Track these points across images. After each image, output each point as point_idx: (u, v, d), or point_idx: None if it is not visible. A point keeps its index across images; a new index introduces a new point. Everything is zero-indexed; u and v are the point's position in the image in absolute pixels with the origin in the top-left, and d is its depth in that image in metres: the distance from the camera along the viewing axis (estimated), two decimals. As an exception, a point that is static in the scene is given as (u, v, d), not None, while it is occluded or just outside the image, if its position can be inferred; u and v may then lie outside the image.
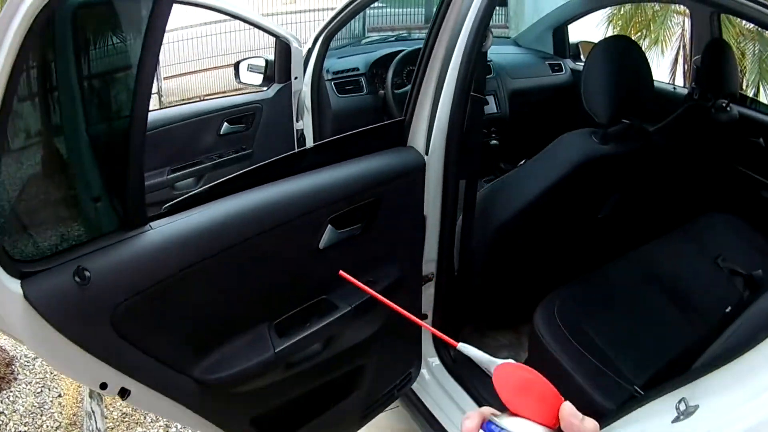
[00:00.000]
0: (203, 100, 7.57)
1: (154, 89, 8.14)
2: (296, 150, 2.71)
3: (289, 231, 1.41)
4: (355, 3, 2.67)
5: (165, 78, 8.73)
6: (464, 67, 1.76)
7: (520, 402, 0.60)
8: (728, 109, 2.79)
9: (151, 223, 1.21)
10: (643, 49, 7.77)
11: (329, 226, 1.49)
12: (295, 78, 2.86)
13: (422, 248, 1.88)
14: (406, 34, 4.67)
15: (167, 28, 1.09)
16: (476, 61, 1.77)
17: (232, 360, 1.36)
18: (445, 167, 1.83)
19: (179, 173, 2.41)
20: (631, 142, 2.14)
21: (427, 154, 1.80)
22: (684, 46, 7.72)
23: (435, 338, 2.04)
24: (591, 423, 0.59)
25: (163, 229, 1.21)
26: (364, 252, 1.65)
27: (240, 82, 2.92)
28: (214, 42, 8.83)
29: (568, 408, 0.59)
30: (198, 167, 2.48)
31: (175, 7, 1.12)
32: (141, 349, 1.22)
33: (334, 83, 3.02)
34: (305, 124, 2.98)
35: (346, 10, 2.74)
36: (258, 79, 2.88)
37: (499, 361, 0.64)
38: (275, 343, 1.40)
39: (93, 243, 1.13)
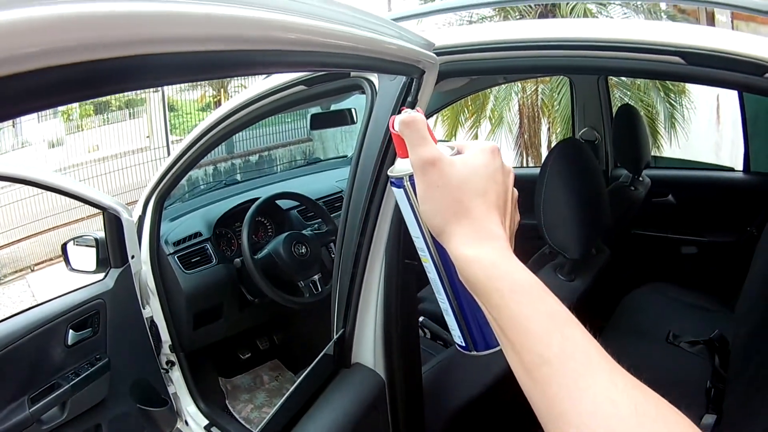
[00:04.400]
0: (33, 270, 7.89)
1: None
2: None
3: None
4: (191, 153, 2.09)
5: (-4, 249, 8.12)
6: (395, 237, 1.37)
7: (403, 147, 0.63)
8: (641, 179, 2.64)
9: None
10: (487, 130, 7.95)
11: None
12: (132, 257, 2.31)
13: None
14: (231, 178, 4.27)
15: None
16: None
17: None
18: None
19: (41, 403, 2.01)
20: (594, 266, 1.92)
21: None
22: (523, 120, 7.84)
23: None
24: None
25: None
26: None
27: (72, 270, 2.36)
28: (38, 203, 8.18)
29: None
30: (58, 392, 2.05)
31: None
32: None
33: (178, 257, 2.51)
34: (153, 310, 2.44)
35: (178, 164, 2.16)
36: (91, 262, 2.32)
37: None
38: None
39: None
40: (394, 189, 0.64)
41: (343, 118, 2.22)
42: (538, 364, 0.50)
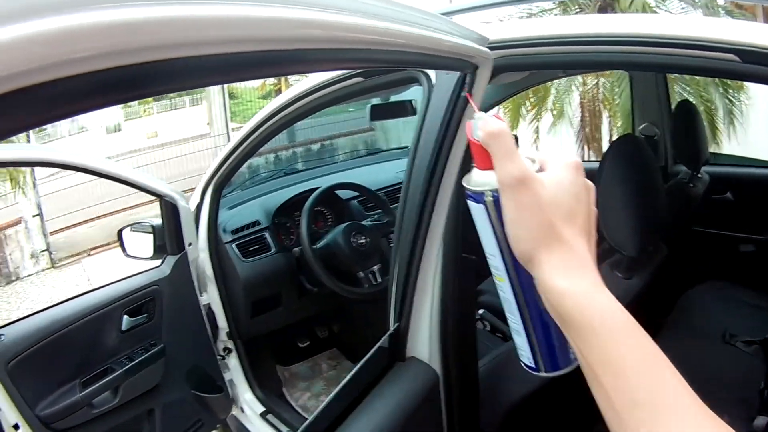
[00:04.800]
0: (90, 255, 8.08)
1: (43, 246, 8.03)
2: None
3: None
4: (249, 141, 2.13)
5: (51, 233, 8.27)
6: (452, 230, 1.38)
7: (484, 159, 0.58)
8: (700, 175, 2.58)
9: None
10: (548, 123, 7.85)
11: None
12: (189, 245, 2.33)
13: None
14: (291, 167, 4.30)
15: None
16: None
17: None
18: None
19: (92, 387, 2.06)
20: (651, 264, 1.90)
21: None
22: (584, 114, 7.69)
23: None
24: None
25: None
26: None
27: (128, 256, 2.40)
28: (95, 187, 8.29)
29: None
30: (111, 377, 2.10)
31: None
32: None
33: (236, 245, 2.54)
34: (211, 297, 2.47)
35: (236, 152, 2.19)
36: (148, 249, 2.35)
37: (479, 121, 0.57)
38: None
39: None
40: (470, 203, 0.58)
41: (403, 109, 2.19)
42: (627, 405, 0.49)
